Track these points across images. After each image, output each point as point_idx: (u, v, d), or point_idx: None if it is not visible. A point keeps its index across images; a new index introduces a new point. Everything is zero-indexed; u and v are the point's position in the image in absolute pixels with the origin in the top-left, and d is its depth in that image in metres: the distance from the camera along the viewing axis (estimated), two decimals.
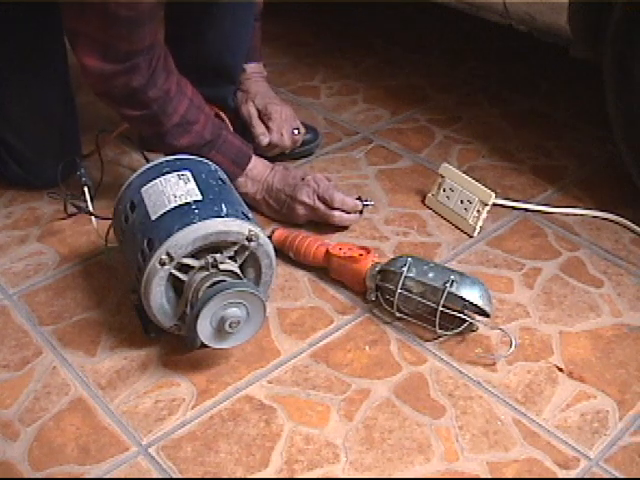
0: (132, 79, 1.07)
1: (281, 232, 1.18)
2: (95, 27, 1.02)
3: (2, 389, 0.97)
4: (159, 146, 1.21)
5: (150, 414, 0.93)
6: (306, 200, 1.21)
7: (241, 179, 1.23)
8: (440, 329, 1.02)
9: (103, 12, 1.00)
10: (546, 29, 1.31)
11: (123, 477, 0.86)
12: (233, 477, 0.86)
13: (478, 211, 1.23)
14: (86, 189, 1.16)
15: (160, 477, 0.86)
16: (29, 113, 1.25)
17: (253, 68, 1.42)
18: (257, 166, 1.25)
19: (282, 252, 1.16)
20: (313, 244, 1.14)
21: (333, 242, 1.15)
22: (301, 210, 1.22)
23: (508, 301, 1.11)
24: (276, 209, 1.25)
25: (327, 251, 1.12)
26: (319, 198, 1.21)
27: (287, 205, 1.23)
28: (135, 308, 1.05)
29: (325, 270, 1.14)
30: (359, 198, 1.24)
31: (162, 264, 0.93)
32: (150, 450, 0.89)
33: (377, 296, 1.08)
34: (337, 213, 1.22)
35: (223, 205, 0.98)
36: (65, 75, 1.27)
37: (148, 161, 1.23)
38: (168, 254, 0.93)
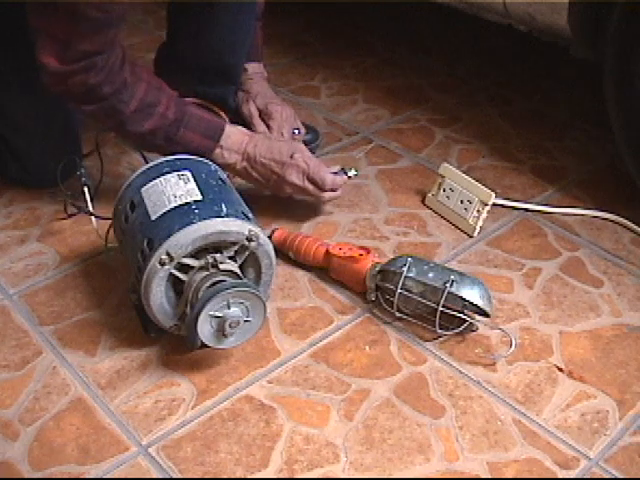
0: (88, 77, 1.06)
1: (281, 232, 1.18)
2: (60, 25, 1.01)
3: (2, 389, 0.97)
4: (124, 136, 1.19)
5: (150, 414, 0.93)
6: (296, 182, 1.20)
7: (217, 150, 1.20)
8: (440, 329, 1.02)
9: (72, 10, 0.99)
10: (546, 29, 1.31)
11: (123, 477, 0.86)
12: (233, 477, 0.86)
13: (478, 211, 1.23)
14: (86, 189, 1.16)
15: (160, 477, 0.86)
16: (30, 112, 1.25)
17: (254, 68, 1.42)
18: (232, 135, 1.20)
19: (282, 252, 1.16)
20: (313, 244, 1.14)
21: (333, 242, 1.15)
22: (289, 189, 1.22)
23: (508, 301, 1.11)
24: (261, 181, 1.23)
25: (327, 251, 1.12)
26: (309, 179, 1.20)
27: (274, 182, 1.22)
28: (135, 308, 1.05)
29: (325, 270, 1.14)
30: (343, 170, 1.25)
31: (162, 264, 0.93)
32: (150, 450, 0.89)
33: (377, 296, 1.08)
34: (327, 195, 1.22)
35: (223, 205, 0.98)
36: None
37: (147, 161, 1.23)
38: (168, 254, 0.93)
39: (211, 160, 1.12)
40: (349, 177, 1.25)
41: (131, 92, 1.11)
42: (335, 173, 1.24)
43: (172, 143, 1.16)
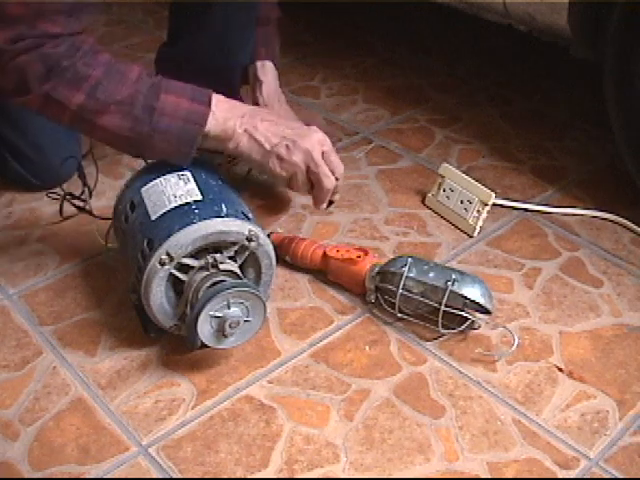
0: (45, 49, 0.90)
1: (277, 236, 1.17)
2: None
3: (2, 389, 0.97)
4: (100, 110, 0.95)
5: (150, 414, 0.93)
6: (313, 152, 1.00)
7: (210, 117, 0.98)
8: (442, 328, 1.02)
9: None
10: (546, 29, 1.31)
11: (123, 477, 0.86)
12: (233, 477, 0.86)
13: (478, 211, 1.23)
14: (86, 189, 1.16)
15: (160, 477, 0.86)
16: (29, 112, 1.25)
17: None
18: (222, 100, 1.01)
19: (279, 256, 1.15)
20: (310, 247, 1.13)
21: (333, 242, 1.15)
22: (299, 157, 1.02)
23: (508, 301, 1.11)
24: (264, 148, 1.02)
25: (324, 253, 1.11)
26: (325, 157, 1.06)
27: (284, 149, 1.02)
28: (135, 308, 1.05)
29: (324, 272, 1.14)
30: None
31: (162, 264, 0.93)
32: (150, 450, 0.89)
33: (377, 297, 1.08)
34: (331, 183, 1.06)
35: (223, 205, 0.98)
36: None
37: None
38: (168, 254, 0.93)
39: (203, 133, 0.96)
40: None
41: (95, 58, 0.95)
42: None
43: (154, 113, 0.96)
